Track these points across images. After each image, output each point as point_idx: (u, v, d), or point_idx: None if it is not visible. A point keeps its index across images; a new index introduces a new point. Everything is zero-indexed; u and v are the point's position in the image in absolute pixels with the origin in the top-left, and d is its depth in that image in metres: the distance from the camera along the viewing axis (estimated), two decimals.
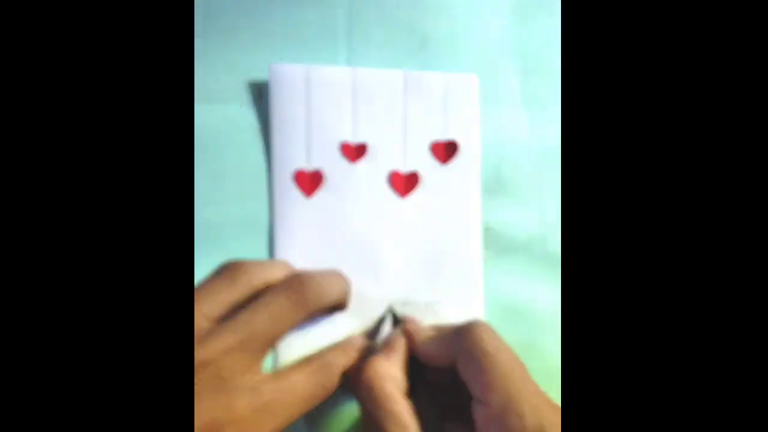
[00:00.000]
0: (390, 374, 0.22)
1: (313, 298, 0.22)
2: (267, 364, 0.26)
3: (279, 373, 0.22)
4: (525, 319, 0.29)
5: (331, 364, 0.23)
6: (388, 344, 0.24)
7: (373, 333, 0.27)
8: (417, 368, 0.24)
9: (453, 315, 0.28)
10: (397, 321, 0.27)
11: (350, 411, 0.27)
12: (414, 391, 0.23)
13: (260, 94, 0.28)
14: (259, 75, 0.28)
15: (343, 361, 0.24)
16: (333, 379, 0.23)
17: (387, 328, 0.28)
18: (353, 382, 0.23)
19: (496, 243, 0.30)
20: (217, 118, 0.28)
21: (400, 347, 0.24)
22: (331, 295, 0.24)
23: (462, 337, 0.22)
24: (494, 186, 0.30)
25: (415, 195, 0.29)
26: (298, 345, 0.27)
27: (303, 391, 0.21)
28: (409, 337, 0.24)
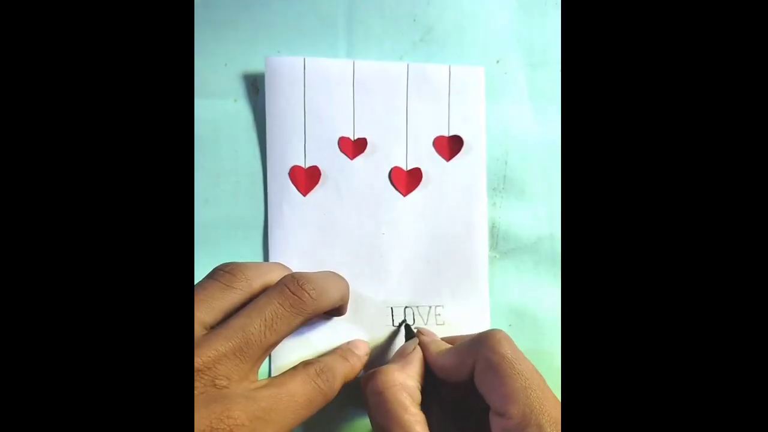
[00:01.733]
0: (403, 383, 0.22)
1: (310, 302, 0.22)
2: (264, 370, 0.26)
3: (276, 380, 0.21)
4: (532, 323, 0.29)
5: (331, 369, 0.22)
6: (402, 355, 0.24)
7: (386, 345, 0.27)
8: (430, 384, 0.23)
9: (457, 319, 0.28)
10: (410, 333, 0.27)
11: (350, 419, 0.27)
12: (426, 406, 0.22)
13: (255, 88, 0.27)
14: (256, 69, 0.28)
15: (344, 367, 0.23)
16: (332, 385, 0.22)
17: (400, 341, 0.27)
18: (363, 389, 0.22)
19: (502, 243, 0.29)
20: (212, 113, 0.27)
21: (416, 359, 0.23)
22: (330, 298, 0.23)
23: (481, 345, 0.21)
24: (500, 184, 0.29)
25: (418, 193, 0.28)
26: (295, 351, 0.26)
27: (301, 397, 0.21)
28: (424, 349, 0.24)
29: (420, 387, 0.22)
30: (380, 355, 0.27)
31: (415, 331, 0.26)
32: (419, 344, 0.24)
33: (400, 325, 0.27)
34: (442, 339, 0.25)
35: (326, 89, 0.27)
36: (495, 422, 0.20)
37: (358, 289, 0.27)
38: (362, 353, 0.25)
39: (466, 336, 0.25)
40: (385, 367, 0.22)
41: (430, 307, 0.28)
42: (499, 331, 0.22)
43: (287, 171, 0.27)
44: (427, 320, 0.28)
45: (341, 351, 0.25)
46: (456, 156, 0.29)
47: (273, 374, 0.26)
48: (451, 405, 0.24)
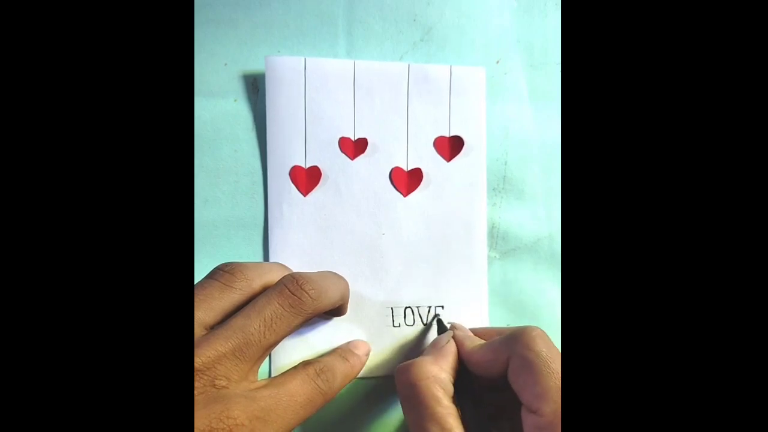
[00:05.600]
0: (436, 376, 0.22)
1: (309, 303, 0.22)
2: (264, 370, 0.26)
3: (276, 380, 0.21)
4: (531, 323, 0.28)
5: (331, 369, 0.22)
6: (436, 348, 0.24)
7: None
8: (463, 379, 0.23)
9: (457, 319, 0.28)
10: (443, 328, 0.27)
11: (350, 419, 0.27)
12: (459, 401, 0.22)
13: (255, 88, 0.27)
14: (256, 69, 0.27)
15: (344, 367, 0.23)
16: (332, 385, 0.22)
17: (432, 335, 0.27)
18: (397, 381, 0.22)
19: (501, 243, 0.29)
20: (212, 112, 0.27)
21: (449, 352, 0.23)
22: (330, 298, 0.23)
23: (516, 341, 0.21)
24: (500, 184, 0.29)
25: (418, 193, 0.28)
26: (295, 351, 0.26)
27: (300, 397, 0.21)
28: (458, 343, 0.24)
29: (453, 380, 0.23)
30: (381, 355, 0.27)
31: (448, 325, 0.27)
32: (454, 338, 0.24)
33: (433, 319, 0.28)
34: (475, 330, 0.26)
35: (327, 89, 0.27)
36: (527, 419, 0.20)
37: (358, 289, 0.27)
38: (362, 353, 0.25)
39: (498, 329, 0.25)
40: (418, 360, 0.22)
41: (430, 307, 0.28)
42: (535, 328, 0.22)
43: (287, 171, 0.27)
44: (427, 320, 0.28)
45: (341, 351, 0.25)
46: (456, 156, 0.29)
47: (273, 374, 0.26)
48: (484, 400, 0.24)
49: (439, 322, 0.27)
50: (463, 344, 0.24)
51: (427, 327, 0.28)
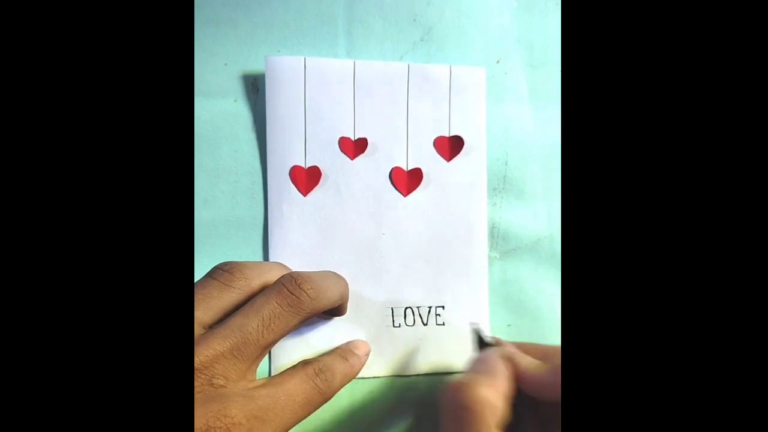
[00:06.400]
0: (493, 404, 0.19)
1: (307, 302, 0.22)
2: (264, 369, 0.26)
3: (274, 379, 0.21)
4: (532, 324, 0.29)
5: (330, 369, 0.22)
6: (488, 368, 0.21)
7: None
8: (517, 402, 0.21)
9: (457, 319, 0.28)
10: (483, 343, 0.24)
11: (350, 419, 0.27)
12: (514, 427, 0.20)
13: (255, 88, 0.28)
14: (256, 69, 0.28)
15: (343, 367, 0.23)
16: (331, 385, 0.22)
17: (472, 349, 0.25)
18: (447, 398, 0.20)
19: (501, 243, 0.29)
20: (212, 112, 0.27)
21: (503, 374, 0.21)
22: (329, 298, 0.23)
23: None
24: (500, 184, 0.29)
25: (418, 193, 0.28)
26: (295, 351, 0.26)
27: (299, 396, 0.21)
28: (510, 363, 0.22)
29: (507, 406, 0.20)
30: (381, 355, 0.27)
31: (491, 340, 0.24)
32: (504, 357, 0.22)
33: (477, 336, 0.25)
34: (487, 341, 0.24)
35: (327, 89, 0.27)
36: None
37: (358, 289, 0.27)
38: (362, 353, 0.25)
39: (540, 346, 0.23)
40: (472, 380, 0.20)
41: (430, 307, 0.28)
42: None
43: (287, 171, 0.27)
44: (427, 320, 0.28)
45: (341, 351, 0.25)
46: (456, 156, 0.29)
47: (273, 374, 0.26)
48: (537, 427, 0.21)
49: (480, 337, 0.24)
50: (519, 365, 0.21)
51: (428, 327, 0.27)
